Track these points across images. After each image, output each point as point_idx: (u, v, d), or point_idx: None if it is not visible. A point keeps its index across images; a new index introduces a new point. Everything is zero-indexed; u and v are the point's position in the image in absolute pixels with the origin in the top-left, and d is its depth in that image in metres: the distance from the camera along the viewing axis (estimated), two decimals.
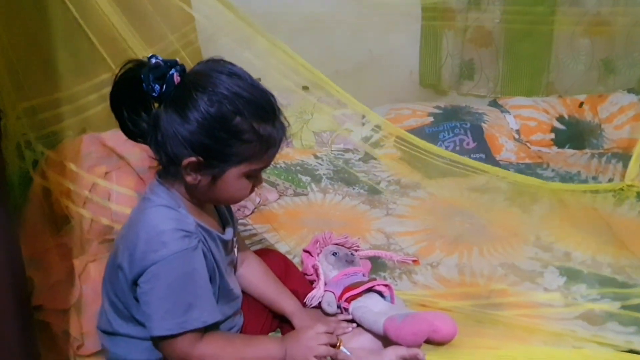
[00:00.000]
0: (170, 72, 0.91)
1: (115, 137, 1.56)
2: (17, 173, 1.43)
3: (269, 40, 1.77)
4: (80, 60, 1.66)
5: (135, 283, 0.95)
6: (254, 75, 1.00)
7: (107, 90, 1.72)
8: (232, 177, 0.97)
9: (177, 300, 0.94)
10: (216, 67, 0.95)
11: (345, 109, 2.26)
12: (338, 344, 1.08)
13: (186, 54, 1.82)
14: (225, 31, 1.85)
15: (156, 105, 0.95)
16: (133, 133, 0.98)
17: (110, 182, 1.43)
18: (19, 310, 0.89)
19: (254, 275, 1.23)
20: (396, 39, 2.63)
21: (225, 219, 1.14)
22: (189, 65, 1.01)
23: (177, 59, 0.95)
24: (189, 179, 0.96)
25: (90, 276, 1.25)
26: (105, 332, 1.06)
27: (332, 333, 1.10)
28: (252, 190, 1.03)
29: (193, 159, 0.93)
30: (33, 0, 1.55)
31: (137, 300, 0.97)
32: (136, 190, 1.43)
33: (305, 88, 2.08)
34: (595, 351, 1.21)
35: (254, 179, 1.01)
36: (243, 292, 1.20)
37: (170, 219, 0.96)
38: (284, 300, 1.22)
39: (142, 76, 0.91)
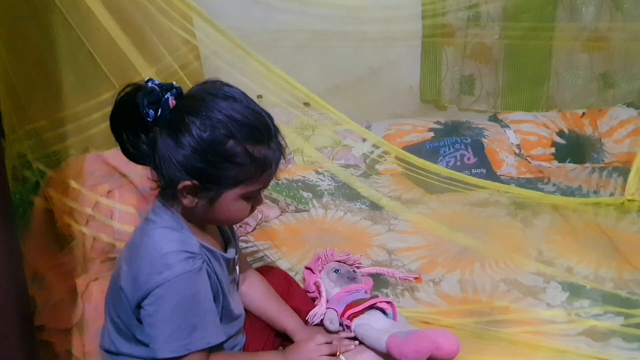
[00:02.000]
0: (165, 97, 0.91)
1: (118, 156, 1.57)
2: (20, 194, 1.43)
3: (263, 64, 1.78)
4: (83, 79, 1.68)
5: (138, 305, 0.95)
6: (255, 92, 1.00)
7: (110, 109, 1.76)
8: (229, 200, 0.97)
9: (182, 322, 0.94)
10: (212, 90, 0.95)
11: (345, 125, 2.27)
12: (338, 354, 1.08)
13: (185, 74, 1.83)
14: (222, 54, 1.87)
15: (155, 128, 0.95)
16: (133, 155, 0.98)
17: (112, 200, 1.44)
18: (21, 329, 0.89)
19: (255, 293, 1.24)
20: (396, 55, 2.65)
21: (227, 237, 1.15)
22: (188, 85, 1.02)
23: (174, 82, 0.95)
24: (185, 201, 0.96)
25: (93, 295, 1.25)
26: (108, 351, 1.06)
27: (331, 343, 1.11)
28: (252, 211, 1.03)
29: (188, 182, 0.93)
30: (37, 21, 1.57)
31: (139, 321, 0.97)
32: (138, 209, 1.43)
33: (306, 104, 2.09)
34: None
35: (253, 200, 1.01)
36: (245, 310, 1.20)
37: (174, 241, 0.96)
38: (285, 318, 1.23)
39: (140, 97, 0.91)
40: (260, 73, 1.86)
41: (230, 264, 1.11)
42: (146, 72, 1.70)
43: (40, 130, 1.54)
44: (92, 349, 1.17)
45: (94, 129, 1.65)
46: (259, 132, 0.95)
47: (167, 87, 0.93)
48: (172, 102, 0.92)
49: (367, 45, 2.60)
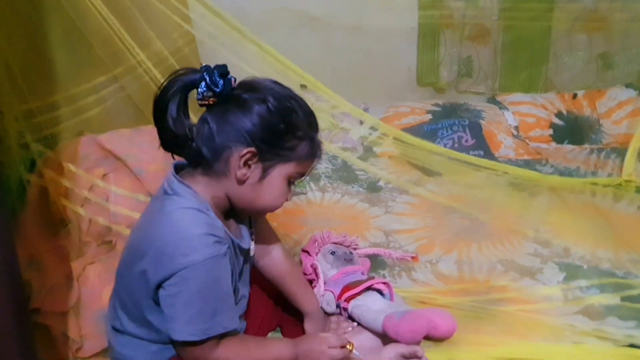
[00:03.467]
0: (229, 77, 0.96)
1: (113, 139, 1.57)
2: (15, 175, 1.42)
3: (259, 46, 1.76)
4: (78, 63, 1.67)
5: (159, 285, 0.94)
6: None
7: (105, 92, 1.75)
8: (279, 176, 0.99)
9: (203, 306, 0.94)
10: (262, 78, 1.01)
11: (342, 108, 2.25)
12: (350, 348, 1.08)
13: (178, 58, 1.82)
14: (217, 37, 1.85)
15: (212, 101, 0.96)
16: (173, 137, 0.96)
17: (108, 183, 1.43)
18: (16, 313, 0.89)
19: (280, 267, 1.23)
20: (394, 37, 2.63)
21: (243, 228, 1.13)
22: None
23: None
24: (239, 172, 0.96)
25: (89, 279, 1.25)
26: (114, 329, 1.04)
27: (345, 347, 1.09)
28: (285, 201, 1.04)
29: (251, 149, 0.95)
30: (31, 4, 1.56)
31: (155, 301, 0.96)
32: (134, 192, 1.43)
33: (303, 86, 2.07)
34: (595, 346, 1.21)
35: (291, 186, 1.03)
36: (258, 283, 1.20)
37: (202, 224, 0.94)
38: (303, 298, 1.23)
39: (205, 73, 0.93)
40: (256, 55, 1.85)
41: (246, 255, 1.11)
42: (139, 56, 1.69)
43: (35, 112, 1.53)
44: (89, 332, 1.18)
45: (88, 112, 1.64)
46: (313, 118, 1.02)
47: (227, 70, 0.97)
48: (234, 82, 0.97)
49: (365, 27, 2.58)
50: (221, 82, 0.94)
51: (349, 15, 2.53)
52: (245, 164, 0.96)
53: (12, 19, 1.49)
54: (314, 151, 1.02)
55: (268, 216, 1.74)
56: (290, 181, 1.02)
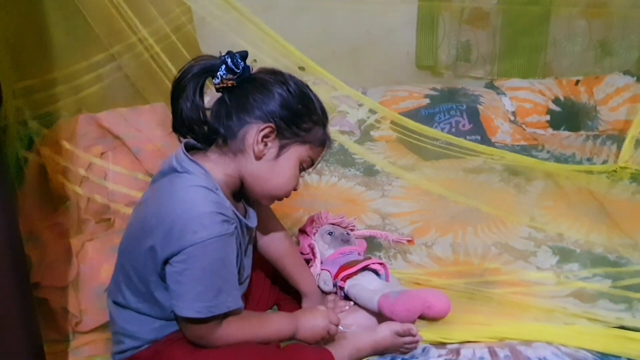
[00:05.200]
0: (247, 64, 0.99)
1: (111, 118, 1.57)
2: (13, 153, 1.42)
3: (258, 26, 1.76)
4: (75, 40, 1.66)
5: (166, 261, 0.94)
6: (250, 57, 1.03)
7: (103, 70, 1.74)
8: (293, 157, 1.02)
9: (210, 284, 0.94)
10: (271, 70, 1.04)
11: (341, 90, 2.25)
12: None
13: (179, 37, 1.81)
14: (218, 15, 1.84)
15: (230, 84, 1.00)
16: (187, 118, 0.98)
17: (106, 162, 1.43)
18: (18, 287, 0.89)
19: (278, 247, 1.24)
20: (393, 20, 2.62)
21: (248, 208, 1.13)
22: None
23: (252, 60, 1.05)
24: (257, 148, 0.99)
25: (88, 255, 1.25)
26: (116, 303, 1.04)
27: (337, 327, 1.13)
28: (295, 188, 1.07)
29: (270, 124, 0.98)
30: None
31: (161, 277, 0.96)
32: (132, 170, 1.43)
33: (301, 69, 2.07)
34: (586, 327, 1.23)
35: (302, 172, 1.07)
36: (260, 260, 1.22)
37: (211, 202, 0.95)
38: (301, 278, 1.25)
39: (227, 56, 0.97)
40: (255, 35, 1.84)
41: (249, 233, 1.11)
42: (139, 34, 1.68)
43: (33, 89, 1.52)
44: (88, 307, 1.19)
45: (86, 90, 1.64)
46: (324, 108, 1.07)
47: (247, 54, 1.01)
48: (252, 68, 1.01)
49: (364, 10, 2.57)
50: (242, 63, 0.98)
51: None
52: (263, 139, 0.99)
53: None
54: (325, 138, 1.07)
55: None
56: (302, 166, 1.05)
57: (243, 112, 0.99)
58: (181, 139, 1.03)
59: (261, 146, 0.99)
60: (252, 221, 1.10)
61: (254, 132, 0.98)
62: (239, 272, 1.06)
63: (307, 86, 1.05)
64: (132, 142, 1.49)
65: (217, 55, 1.00)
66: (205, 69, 0.98)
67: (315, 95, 1.05)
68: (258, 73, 1.02)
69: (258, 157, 1.00)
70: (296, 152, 1.03)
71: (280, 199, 1.08)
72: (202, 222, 0.92)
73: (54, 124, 1.51)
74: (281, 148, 1.01)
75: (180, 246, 0.91)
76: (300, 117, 1.01)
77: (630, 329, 1.22)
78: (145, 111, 1.68)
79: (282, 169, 1.02)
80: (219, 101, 1.01)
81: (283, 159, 1.02)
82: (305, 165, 1.06)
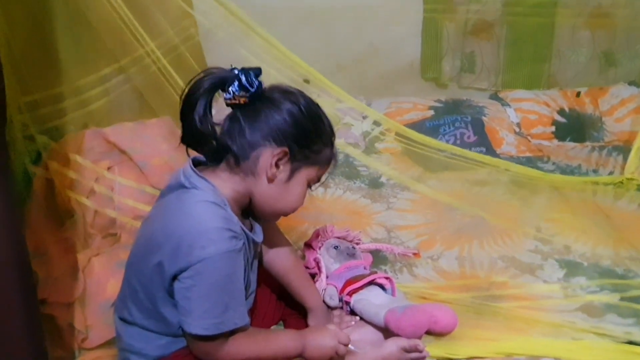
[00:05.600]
0: (259, 80, 0.98)
1: (118, 132, 1.58)
2: (21, 167, 1.43)
3: (263, 37, 1.77)
4: (83, 54, 1.66)
5: (174, 277, 0.94)
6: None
7: (110, 84, 1.75)
8: (303, 179, 1.03)
9: (217, 300, 0.94)
10: (280, 86, 1.04)
11: (346, 102, 2.25)
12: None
13: (186, 48, 1.81)
14: (223, 27, 1.85)
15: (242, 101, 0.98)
16: (197, 133, 0.97)
17: (113, 175, 1.44)
18: (25, 303, 0.89)
19: (284, 263, 1.24)
20: (397, 32, 2.62)
21: (255, 223, 1.13)
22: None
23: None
24: (270, 172, 0.99)
25: (94, 270, 1.26)
26: (123, 319, 1.04)
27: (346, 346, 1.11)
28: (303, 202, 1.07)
29: (285, 148, 0.98)
30: None
31: (169, 294, 0.96)
32: (139, 184, 1.43)
33: (306, 81, 2.07)
34: (594, 342, 1.22)
35: (308, 188, 1.07)
36: (265, 275, 1.22)
37: (219, 217, 0.95)
38: (307, 294, 1.25)
39: (241, 72, 0.96)
40: (260, 47, 1.84)
41: (256, 248, 1.11)
42: (149, 46, 1.68)
43: (39, 104, 1.52)
44: (94, 323, 1.19)
45: (93, 104, 1.64)
46: (332, 127, 1.07)
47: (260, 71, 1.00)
48: (264, 85, 1.00)
49: (368, 22, 2.58)
50: (257, 82, 0.97)
51: (353, 9, 2.53)
52: (277, 163, 0.99)
53: (15, 6, 1.47)
54: (333, 158, 1.07)
55: None
56: (309, 184, 1.06)
57: (256, 133, 0.98)
58: (189, 152, 1.03)
59: (274, 170, 1.00)
60: (259, 236, 1.10)
61: (267, 155, 0.98)
62: (245, 288, 1.05)
63: (317, 105, 1.04)
64: (138, 156, 1.49)
65: (228, 67, 0.98)
66: (216, 83, 0.97)
67: (324, 113, 1.05)
68: (270, 91, 1.01)
69: (270, 180, 1.00)
70: (306, 173, 1.03)
71: (286, 215, 1.09)
72: (210, 237, 0.92)
73: (61, 138, 1.52)
74: (293, 171, 1.02)
75: (188, 262, 0.91)
76: (311, 138, 1.01)
77: (638, 343, 1.21)
78: (152, 125, 1.68)
79: (292, 191, 1.03)
80: (231, 118, 1.00)
81: (294, 181, 1.03)
82: (312, 184, 1.07)
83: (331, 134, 1.06)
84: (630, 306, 1.33)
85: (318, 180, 1.07)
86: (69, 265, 1.24)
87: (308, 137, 1.01)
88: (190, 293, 0.93)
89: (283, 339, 1.07)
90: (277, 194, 1.02)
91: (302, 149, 1.00)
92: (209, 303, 0.94)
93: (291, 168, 1.01)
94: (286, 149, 0.99)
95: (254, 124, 0.98)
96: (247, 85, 0.96)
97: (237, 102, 0.97)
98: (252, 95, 0.97)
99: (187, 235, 0.92)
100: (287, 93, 1.01)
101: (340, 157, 2.13)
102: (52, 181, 1.40)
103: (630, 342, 1.22)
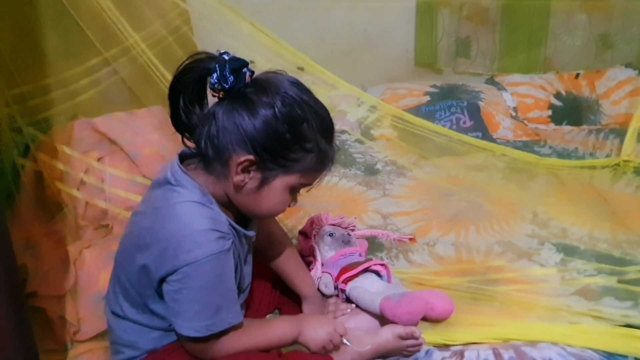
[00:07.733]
0: (244, 70, 0.90)
1: (107, 122, 1.56)
2: (9, 160, 1.41)
3: (255, 27, 1.74)
4: (70, 45, 1.64)
5: (162, 280, 0.92)
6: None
7: (98, 75, 1.73)
8: (279, 187, 0.94)
9: (208, 302, 0.92)
10: (278, 76, 0.94)
11: (340, 89, 2.23)
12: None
13: (174, 39, 1.79)
14: (215, 17, 1.83)
15: (221, 96, 0.92)
16: (183, 124, 0.94)
17: (103, 166, 1.42)
18: (11, 297, 0.88)
19: (279, 252, 1.23)
20: (391, 18, 2.60)
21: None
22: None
23: (249, 60, 0.93)
24: (237, 179, 0.92)
25: (86, 262, 1.24)
26: (115, 313, 1.02)
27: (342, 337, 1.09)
28: (286, 208, 1.00)
29: (250, 156, 0.90)
30: None
31: (158, 293, 0.94)
32: (129, 175, 1.42)
33: (300, 69, 2.05)
34: (592, 326, 1.21)
35: (294, 195, 0.99)
36: (260, 264, 1.19)
37: (205, 218, 0.92)
38: (302, 282, 1.24)
39: (217, 65, 0.88)
40: (252, 37, 1.82)
41: (249, 242, 1.08)
42: (133, 38, 1.66)
43: (27, 96, 1.50)
44: (86, 315, 1.18)
45: (82, 95, 1.62)
46: (327, 126, 0.95)
47: (245, 63, 0.91)
48: (248, 77, 0.90)
49: (361, 8, 2.55)
50: (231, 78, 0.88)
51: None
52: (244, 171, 0.92)
53: (1, 1, 1.46)
54: (323, 163, 0.96)
55: None
56: (293, 190, 0.98)
57: (227, 135, 0.90)
58: (183, 140, 0.98)
59: (241, 177, 0.92)
60: (251, 230, 1.07)
61: (235, 161, 0.91)
62: (239, 282, 1.03)
63: (306, 102, 0.92)
64: (129, 146, 1.47)
65: (216, 53, 0.91)
66: (200, 76, 0.91)
67: (316, 111, 0.93)
68: (251, 86, 0.91)
69: (239, 187, 0.94)
70: (283, 181, 0.94)
71: (272, 217, 1.05)
72: (196, 240, 0.89)
73: (50, 130, 1.50)
74: (264, 179, 0.93)
75: (174, 265, 0.89)
76: (287, 146, 0.91)
77: (636, 326, 1.20)
78: (142, 115, 1.66)
79: (267, 198, 0.95)
80: (211, 113, 0.92)
81: (267, 189, 0.94)
82: (297, 190, 0.99)
83: (321, 138, 0.94)
84: (627, 289, 1.32)
85: (307, 185, 0.98)
86: (59, 258, 1.22)
87: (283, 146, 0.90)
88: (179, 296, 0.91)
89: (279, 324, 1.06)
90: (250, 200, 0.96)
91: (275, 157, 0.91)
92: (198, 305, 0.92)
93: (262, 177, 0.93)
94: (252, 158, 0.90)
95: (227, 125, 0.90)
96: (222, 82, 0.89)
97: (217, 95, 0.92)
98: (227, 91, 0.90)
99: (173, 238, 0.90)
100: (267, 92, 0.90)
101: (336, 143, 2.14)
102: (42, 173, 1.38)
103: (628, 325, 1.21)
